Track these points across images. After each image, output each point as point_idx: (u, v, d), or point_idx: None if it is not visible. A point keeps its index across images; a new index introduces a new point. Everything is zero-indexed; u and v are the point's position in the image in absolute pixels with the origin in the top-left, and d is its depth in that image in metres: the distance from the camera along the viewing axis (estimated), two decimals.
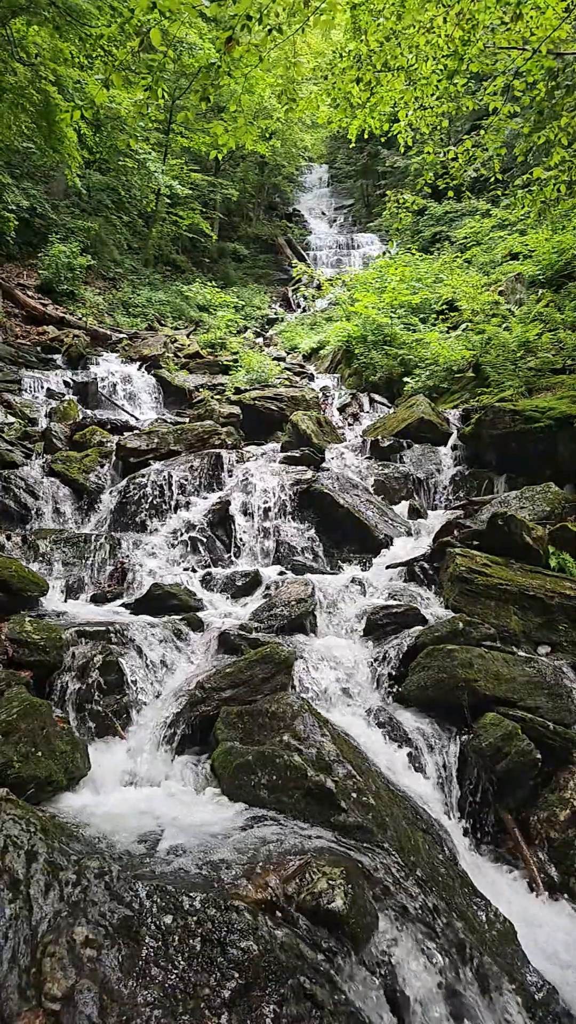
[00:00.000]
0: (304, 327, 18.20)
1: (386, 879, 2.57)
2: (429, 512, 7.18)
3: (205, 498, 7.05)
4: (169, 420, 10.29)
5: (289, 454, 7.73)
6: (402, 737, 3.76)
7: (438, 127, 7.83)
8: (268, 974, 1.98)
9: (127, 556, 6.05)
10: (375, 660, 4.33)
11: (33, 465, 7.51)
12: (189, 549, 6.32)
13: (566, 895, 3.24)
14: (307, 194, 32.16)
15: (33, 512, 6.89)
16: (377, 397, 11.60)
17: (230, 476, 7.38)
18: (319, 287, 17.53)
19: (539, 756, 3.57)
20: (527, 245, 13.52)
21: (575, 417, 6.83)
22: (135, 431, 8.94)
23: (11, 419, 8.96)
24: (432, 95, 7.46)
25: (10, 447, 7.69)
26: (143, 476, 7.21)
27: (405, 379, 11.00)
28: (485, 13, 6.58)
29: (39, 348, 13.00)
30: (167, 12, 4.67)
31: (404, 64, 7.02)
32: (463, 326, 11.42)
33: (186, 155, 21.42)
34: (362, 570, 5.90)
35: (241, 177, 25.77)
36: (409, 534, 6.49)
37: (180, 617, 4.81)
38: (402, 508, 7.11)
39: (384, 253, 13.38)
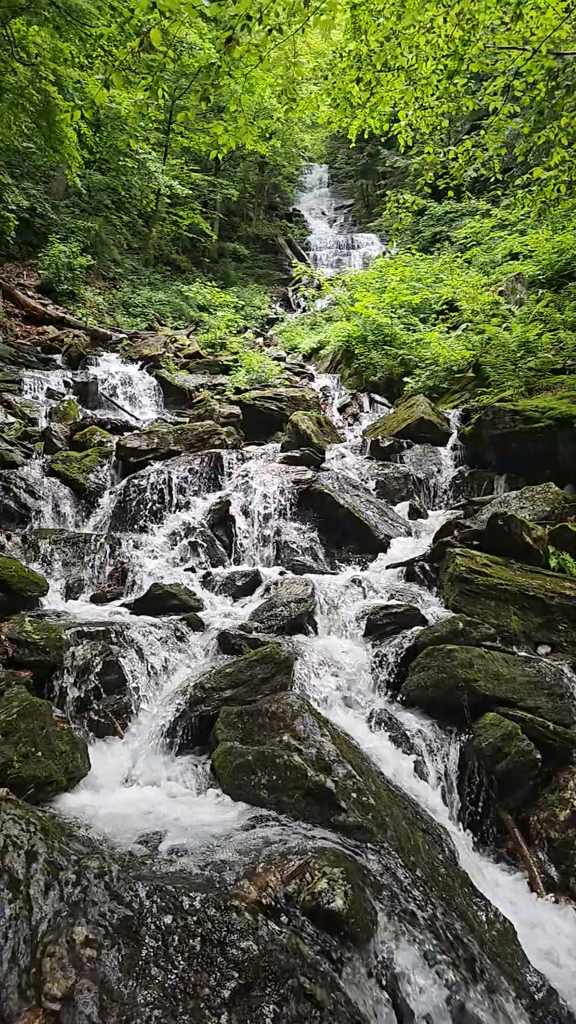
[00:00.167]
0: (304, 327, 18.20)
1: (386, 879, 2.57)
2: (429, 512, 7.18)
3: (205, 498, 7.05)
4: (169, 420, 10.30)
5: (289, 454, 7.73)
6: (402, 737, 3.77)
7: (438, 127, 7.83)
8: (268, 974, 1.98)
9: (127, 556, 6.05)
10: (375, 660, 4.33)
11: (33, 465, 7.50)
12: (189, 549, 6.32)
13: (566, 895, 3.24)
14: (307, 194, 32.16)
15: (33, 512, 6.88)
16: (377, 397, 11.60)
17: (230, 476, 7.38)
18: (319, 287, 17.53)
19: (539, 756, 3.57)
20: (527, 245, 13.52)
21: (575, 417, 6.84)
22: (135, 431, 8.93)
23: (11, 419, 8.95)
24: (432, 95, 7.46)
25: (10, 447, 7.68)
26: (143, 476, 7.21)
27: (405, 379, 11.00)
28: (485, 13, 6.58)
29: (39, 348, 13.00)
30: (167, 12, 4.67)
31: (404, 64, 7.02)
32: (463, 326, 11.42)
33: (186, 155, 21.42)
34: (362, 570, 5.90)
35: (241, 177, 25.77)
36: (409, 534, 6.49)
37: (180, 617, 4.81)
38: (402, 508, 7.11)
39: (384, 253, 13.34)
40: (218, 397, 11.38)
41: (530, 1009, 2.44)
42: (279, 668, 3.99)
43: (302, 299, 20.63)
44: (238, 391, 11.56)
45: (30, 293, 15.21)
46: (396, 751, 3.71)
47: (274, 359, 14.25)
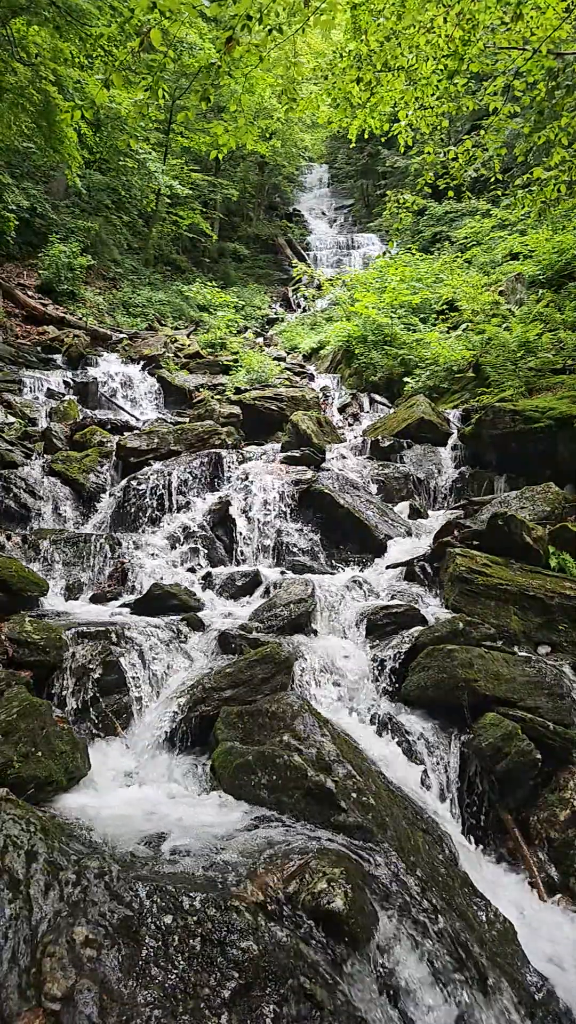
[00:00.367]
0: (304, 327, 18.20)
1: (386, 879, 2.57)
2: (429, 512, 7.19)
3: (205, 498, 7.04)
4: (169, 420, 10.30)
5: (289, 454, 7.73)
6: (402, 737, 3.77)
7: (438, 127, 7.82)
8: (268, 974, 1.98)
9: (127, 556, 6.05)
10: (375, 660, 4.33)
11: (33, 465, 7.50)
12: (189, 549, 6.31)
13: (566, 895, 3.24)
14: (307, 194, 32.15)
15: (33, 512, 6.88)
16: (377, 397, 11.60)
17: (230, 476, 7.38)
18: (319, 287, 17.53)
19: (539, 756, 3.57)
20: (527, 245, 13.52)
21: (575, 417, 6.84)
22: (135, 431, 8.94)
23: (11, 419, 8.95)
24: (432, 95, 7.45)
25: (10, 447, 7.68)
26: (143, 476, 7.21)
27: (405, 379, 11.00)
28: (485, 13, 6.58)
29: (39, 348, 13.00)
30: (167, 12, 4.67)
31: (404, 64, 7.01)
32: (463, 326, 11.43)
33: (186, 155, 21.42)
34: (362, 570, 5.90)
35: (241, 177, 25.77)
36: (409, 534, 6.49)
37: (180, 617, 4.81)
38: (402, 508, 7.11)
39: (384, 253, 13.34)
40: (218, 397, 11.38)
41: (530, 1009, 2.44)
42: (279, 668, 3.99)
43: (302, 299, 20.63)
44: (238, 391, 11.56)
45: (30, 293, 15.21)
46: (396, 751, 3.71)
47: (274, 359, 14.25)
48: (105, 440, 8.51)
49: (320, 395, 11.99)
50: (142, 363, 12.95)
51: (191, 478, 7.27)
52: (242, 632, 4.49)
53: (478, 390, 9.35)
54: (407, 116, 7.52)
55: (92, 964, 1.89)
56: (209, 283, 20.25)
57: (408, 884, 2.59)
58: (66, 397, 10.57)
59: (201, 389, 12.14)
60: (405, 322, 12.82)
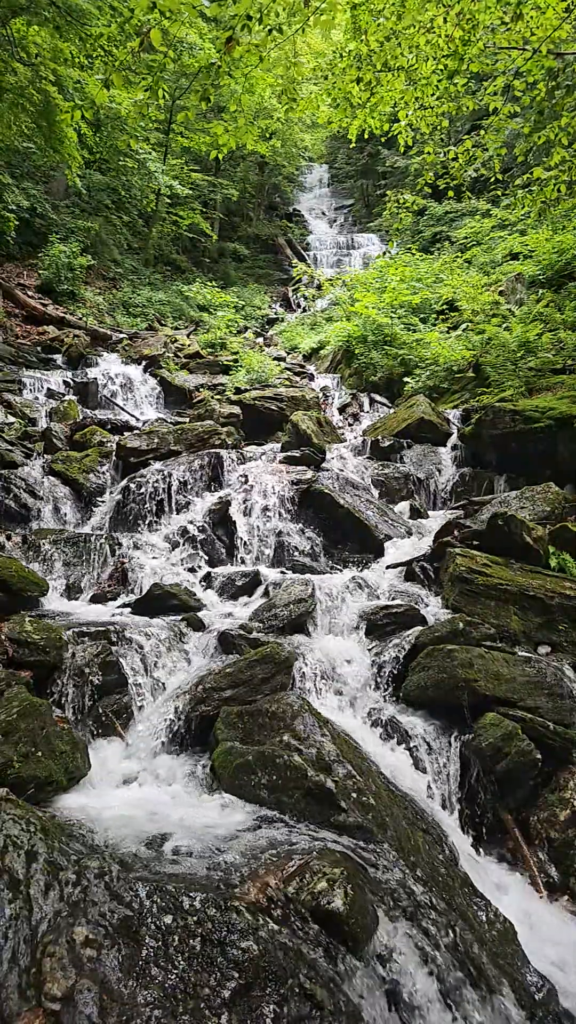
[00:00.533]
0: (304, 327, 18.20)
1: (386, 879, 2.57)
2: (429, 512, 7.19)
3: (205, 498, 7.04)
4: (169, 420, 10.30)
5: (289, 454, 7.72)
6: (402, 737, 3.77)
7: (438, 127, 7.82)
8: (268, 974, 1.98)
9: (127, 556, 6.05)
10: (375, 660, 4.33)
11: (33, 465, 7.50)
12: (189, 549, 6.31)
13: (566, 895, 3.24)
14: (307, 194, 32.15)
15: (33, 512, 6.88)
16: (377, 397, 11.60)
17: (230, 476, 7.38)
18: (319, 287, 17.53)
19: (539, 756, 3.57)
20: (527, 245, 13.52)
21: (575, 417, 6.84)
22: (135, 431, 8.93)
23: (11, 419, 8.95)
24: (432, 95, 7.45)
25: (10, 447, 7.68)
26: (143, 476, 7.21)
27: (405, 379, 11.00)
28: (485, 13, 6.58)
29: (39, 348, 13.00)
30: (167, 12, 4.67)
31: (404, 64, 7.01)
32: (463, 326, 11.43)
33: (186, 155, 21.42)
34: (362, 570, 5.90)
35: (241, 177, 25.77)
36: (409, 534, 6.49)
37: (180, 617, 4.81)
38: (402, 508, 7.11)
39: (384, 253, 13.33)
40: (218, 397, 11.38)
41: (530, 1009, 2.44)
42: (279, 668, 3.99)
43: (302, 299, 20.63)
44: (238, 391, 11.56)
45: (30, 293, 15.21)
46: (396, 751, 3.71)
47: (274, 359, 14.25)
48: (105, 440, 8.51)
49: (320, 395, 11.99)
50: (142, 363, 12.94)
51: (191, 478, 7.26)
52: (242, 632, 4.49)
53: (478, 390, 9.35)
54: (407, 116, 7.52)
55: (92, 964, 1.89)
56: (209, 283, 20.25)
57: (408, 884, 2.59)
58: (66, 397, 10.57)
59: (201, 389, 12.14)
60: (405, 322, 12.82)
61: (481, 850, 3.43)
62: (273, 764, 3.12)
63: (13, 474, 7.07)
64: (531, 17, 6.71)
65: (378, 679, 4.22)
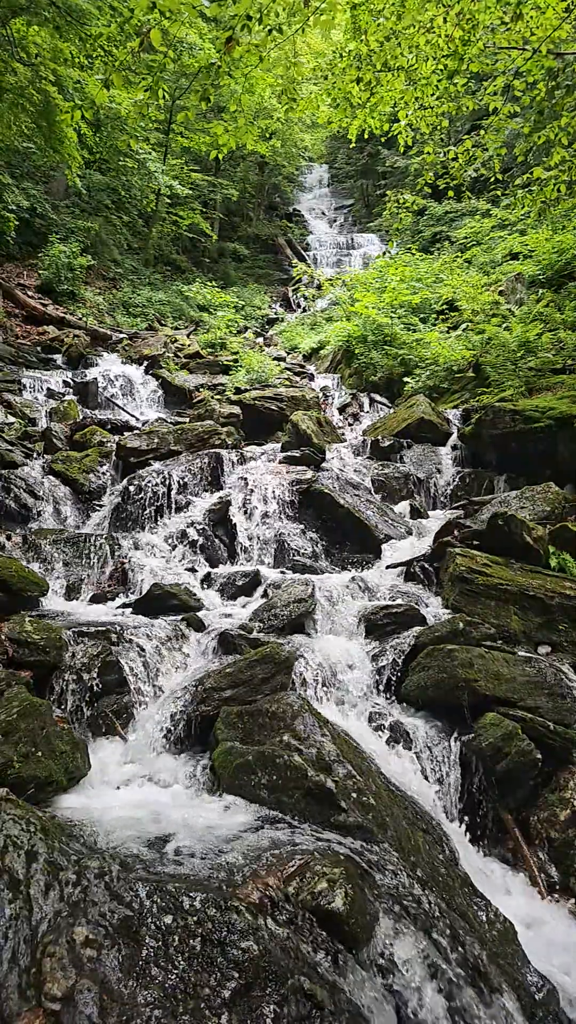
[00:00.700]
0: (304, 327, 18.20)
1: (386, 879, 2.57)
2: (429, 512, 7.19)
3: (205, 498, 7.04)
4: (169, 420, 10.30)
5: (289, 454, 7.73)
6: (402, 737, 3.77)
7: (438, 127, 7.82)
8: (268, 974, 1.98)
9: (127, 556, 6.05)
10: (375, 660, 4.33)
11: (33, 465, 7.50)
12: (189, 549, 6.32)
13: (566, 895, 3.24)
14: (307, 194, 32.15)
15: (33, 512, 6.89)
16: (377, 397, 11.60)
17: (230, 476, 7.38)
18: (319, 287, 17.53)
19: (539, 756, 3.57)
20: (527, 245, 13.52)
21: (575, 417, 6.84)
22: (135, 431, 8.94)
23: (11, 419, 8.95)
24: (432, 95, 7.45)
25: (10, 447, 7.69)
26: (143, 476, 7.21)
27: (405, 379, 11.00)
28: (485, 13, 6.57)
29: (39, 348, 13.00)
30: (167, 12, 4.67)
31: (404, 64, 7.01)
32: (463, 326, 11.42)
33: (186, 155, 21.42)
34: (362, 570, 5.90)
35: (241, 177, 25.77)
36: (409, 534, 6.49)
37: (180, 617, 4.81)
38: (402, 508, 7.11)
39: (384, 253, 13.34)
40: (218, 397, 11.38)
41: (531, 1009, 2.44)
42: (279, 668, 3.99)
43: (302, 299, 20.63)
44: (238, 391, 11.56)
45: (30, 293, 15.21)
46: (396, 751, 3.71)
47: (274, 359, 14.25)
48: (105, 440, 8.51)
49: (320, 395, 11.99)
50: (142, 363, 12.94)
51: (191, 478, 7.27)
52: (242, 632, 4.49)
53: (478, 390, 9.35)
54: (407, 116, 7.52)
55: (92, 964, 1.89)
56: (209, 283, 20.25)
57: (408, 884, 2.59)
58: (66, 397, 10.57)
59: (201, 389, 12.14)
60: (405, 322, 12.82)
61: (481, 850, 3.43)
62: (273, 764, 3.12)
63: (13, 474, 7.07)
64: (531, 17, 6.71)
65: (378, 679, 4.22)
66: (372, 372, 12.07)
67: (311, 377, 13.72)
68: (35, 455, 7.87)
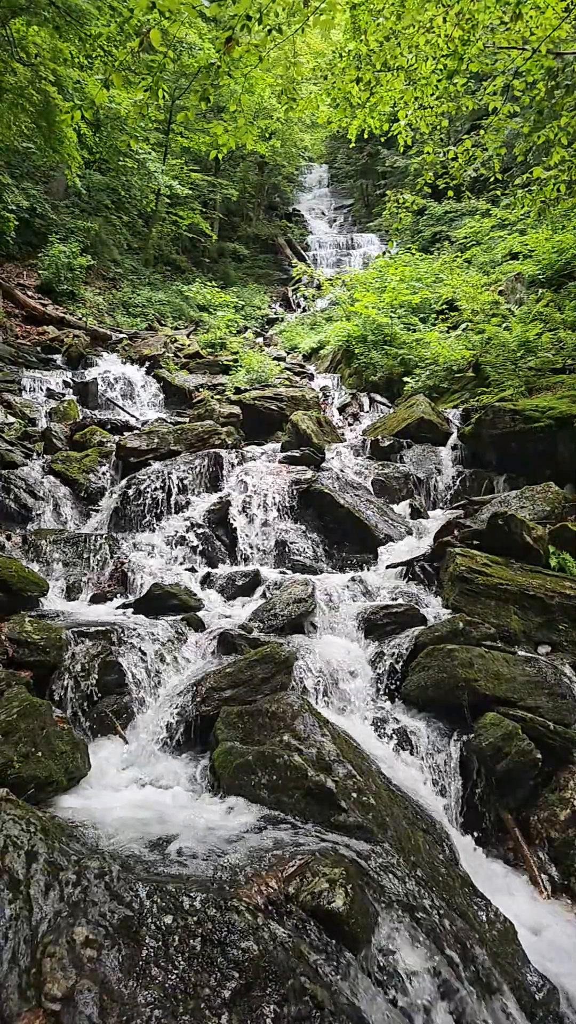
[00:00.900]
0: (304, 327, 18.20)
1: (386, 879, 2.57)
2: (429, 512, 7.18)
3: (205, 498, 7.04)
4: (169, 420, 10.29)
5: (289, 454, 7.72)
6: (402, 737, 3.77)
7: (438, 127, 7.82)
8: (268, 974, 1.98)
9: (127, 556, 6.05)
10: (375, 660, 4.33)
11: (33, 465, 7.50)
12: (189, 549, 6.32)
13: (566, 895, 3.24)
14: (307, 194, 32.14)
15: (33, 512, 6.88)
16: (377, 397, 11.60)
17: (230, 476, 7.38)
18: (319, 287, 17.52)
19: (539, 756, 3.57)
20: (527, 245, 13.52)
21: (575, 417, 6.83)
22: (135, 431, 8.93)
23: (11, 419, 8.95)
24: (432, 95, 7.45)
25: (10, 447, 7.68)
26: (143, 476, 7.21)
27: (405, 379, 11.00)
28: (485, 13, 6.57)
29: (39, 348, 13.00)
30: (167, 12, 4.66)
31: (404, 64, 7.01)
32: (463, 326, 11.42)
33: (186, 155, 21.41)
34: (362, 570, 5.90)
35: (241, 177, 25.77)
36: (409, 534, 6.49)
37: (180, 617, 4.81)
38: (402, 508, 7.11)
39: (384, 253, 13.34)
40: (218, 397, 11.37)
41: (531, 1009, 2.44)
42: (279, 668, 3.99)
43: (302, 299, 20.62)
44: (238, 391, 11.56)
45: (30, 293, 15.21)
46: (396, 751, 3.71)
47: (274, 359, 14.24)
48: (105, 440, 8.51)
49: (320, 395, 11.99)
50: (142, 363, 12.94)
51: (191, 478, 7.26)
52: (242, 632, 4.49)
53: (478, 390, 9.35)
54: (407, 116, 7.51)
55: (92, 964, 1.89)
56: (209, 283, 20.25)
57: (408, 884, 2.59)
58: (66, 397, 10.57)
59: (201, 389, 12.14)
60: (405, 322, 12.82)
61: (481, 850, 3.43)
62: (273, 764, 3.12)
63: (13, 474, 7.07)
64: (530, 17, 6.70)
65: (378, 679, 4.22)
66: (372, 372, 12.07)
67: (311, 377, 13.72)
68: (35, 455, 7.87)
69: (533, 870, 3.31)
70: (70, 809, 3.06)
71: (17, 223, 14.97)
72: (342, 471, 7.50)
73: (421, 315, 13.36)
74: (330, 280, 17.01)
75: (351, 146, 17.27)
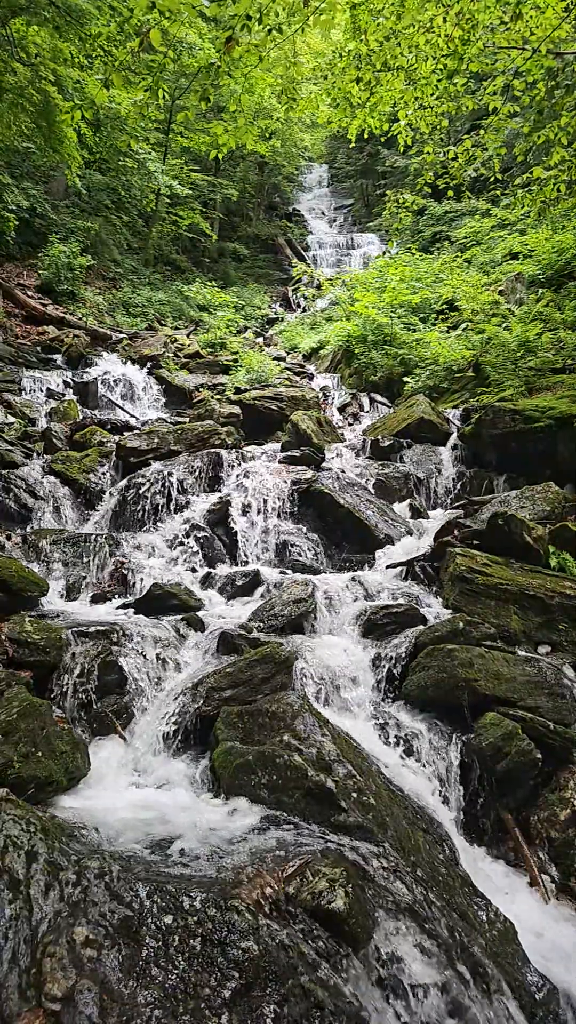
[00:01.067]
0: (304, 327, 18.20)
1: (386, 879, 2.57)
2: (429, 512, 7.18)
3: (205, 498, 7.04)
4: (169, 420, 10.29)
5: (289, 454, 7.72)
6: (402, 737, 3.77)
7: (438, 127, 7.82)
8: (268, 974, 1.98)
9: (127, 556, 6.05)
10: (375, 660, 4.33)
11: (33, 465, 7.50)
12: (189, 549, 6.31)
13: (567, 895, 3.24)
14: (307, 194, 32.14)
15: (33, 512, 6.88)
16: (377, 397, 11.60)
17: (230, 476, 7.38)
18: (319, 287, 17.53)
19: (539, 756, 3.57)
20: (527, 245, 13.52)
21: (575, 417, 6.84)
22: (135, 431, 8.93)
23: (11, 419, 8.95)
24: (432, 95, 7.45)
25: (10, 447, 7.68)
26: (143, 476, 7.21)
27: (405, 379, 11.00)
28: (485, 13, 6.58)
29: (39, 348, 12.99)
30: (167, 12, 4.66)
31: (404, 64, 7.01)
32: (463, 326, 11.42)
33: (186, 155, 21.42)
34: (362, 570, 5.90)
35: (241, 177, 25.77)
36: (409, 534, 6.49)
37: (180, 617, 4.81)
38: (402, 508, 7.11)
39: (384, 253, 13.36)
40: (218, 397, 11.37)
41: (531, 1009, 2.44)
42: (279, 668, 3.99)
43: (302, 299, 20.63)
44: (238, 391, 11.56)
45: (30, 293, 15.21)
46: (396, 751, 3.71)
47: (274, 359, 14.24)
48: (105, 440, 8.51)
49: (320, 395, 11.99)
50: (142, 363, 12.94)
51: (191, 478, 7.26)
52: (242, 632, 4.49)
53: (478, 390, 9.35)
54: (407, 116, 7.51)
55: (92, 964, 1.89)
56: (209, 283, 20.25)
57: (409, 884, 2.59)
58: (66, 397, 10.56)
59: (201, 389, 12.14)
60: (405, 322, 12.82)
61: (481, 850, 3.43)
62: (273, 764, 3.12)
63: (13, 474, 7.07)
64: (530, 17, 6.71)
65: (378, 679, 4.22)
66: (372, 372, 12.07)
67: (311, 377, 13.72)
68: (35, 455, 7.87)
69: (533, 870, 3.31)
70: (70, 809, 3.06)
71: (17, 223, 14.97)
72: (342, 471, 7.50)
73: (421, 315, 13.36)
74: (330, 280, 17.02)
75: (351, 146, 17.28)
